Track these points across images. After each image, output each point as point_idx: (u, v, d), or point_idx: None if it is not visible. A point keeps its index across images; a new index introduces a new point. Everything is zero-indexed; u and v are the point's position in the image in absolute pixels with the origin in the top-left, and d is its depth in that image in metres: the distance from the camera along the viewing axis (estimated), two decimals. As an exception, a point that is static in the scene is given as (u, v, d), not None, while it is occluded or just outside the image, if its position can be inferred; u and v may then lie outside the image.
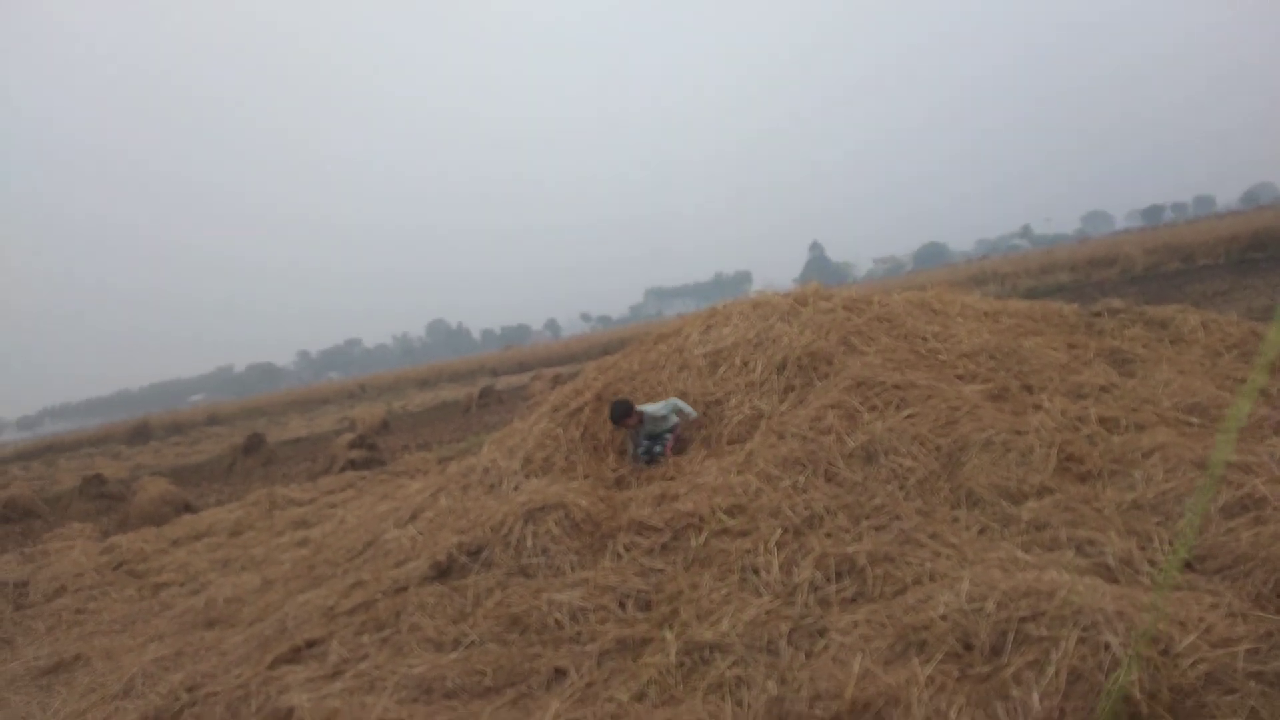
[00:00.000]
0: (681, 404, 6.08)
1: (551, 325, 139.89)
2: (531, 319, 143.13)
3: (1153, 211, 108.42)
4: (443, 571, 4.86)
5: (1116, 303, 7.09)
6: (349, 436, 15.61)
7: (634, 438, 6.07)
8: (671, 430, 6.01)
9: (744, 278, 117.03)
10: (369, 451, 14.01)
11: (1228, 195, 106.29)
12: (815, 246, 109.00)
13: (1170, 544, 3.76)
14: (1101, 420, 5.06)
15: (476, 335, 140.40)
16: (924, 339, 6.19)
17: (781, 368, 6.00)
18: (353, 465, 13.13)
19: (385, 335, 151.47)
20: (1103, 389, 5.53)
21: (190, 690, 4.41)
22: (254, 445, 18.17)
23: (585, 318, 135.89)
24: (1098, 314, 6.98)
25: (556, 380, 20.06)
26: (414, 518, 6.06)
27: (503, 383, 31.75)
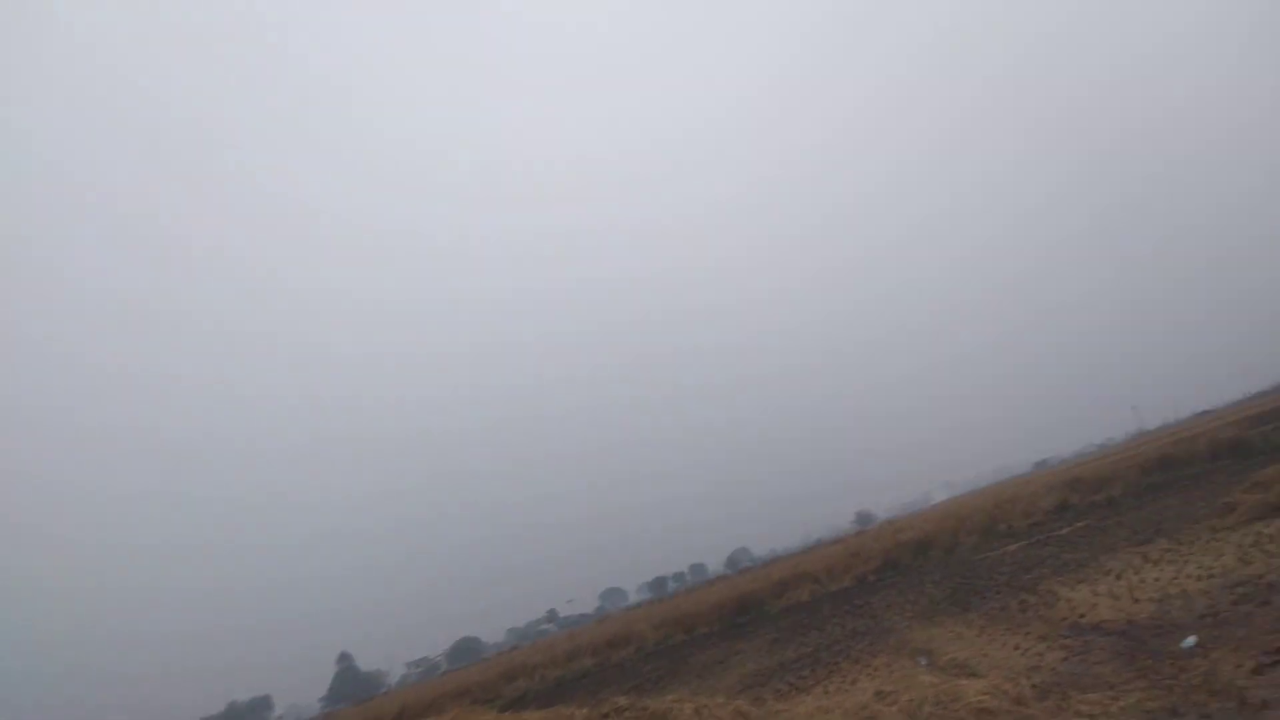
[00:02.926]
0: None
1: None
2: None
3: (658, 583, 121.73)
4: None
5: (622, 701, 6.92)
6: None
7: None
8: None
9: (263, 703, 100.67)
10: None
11: (715, 561, 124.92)
12: (344, 657, 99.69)
13: None
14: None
15: None
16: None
17: None
18: None
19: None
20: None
21: None
22: None
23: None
24: (605, 715, 6.39)
25: None
26: None
27: None
